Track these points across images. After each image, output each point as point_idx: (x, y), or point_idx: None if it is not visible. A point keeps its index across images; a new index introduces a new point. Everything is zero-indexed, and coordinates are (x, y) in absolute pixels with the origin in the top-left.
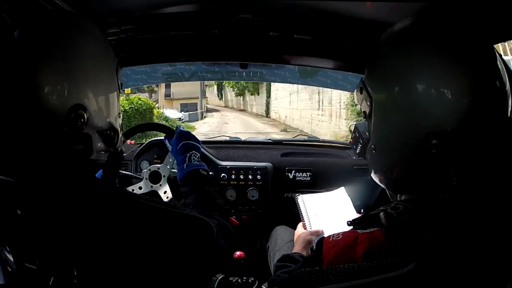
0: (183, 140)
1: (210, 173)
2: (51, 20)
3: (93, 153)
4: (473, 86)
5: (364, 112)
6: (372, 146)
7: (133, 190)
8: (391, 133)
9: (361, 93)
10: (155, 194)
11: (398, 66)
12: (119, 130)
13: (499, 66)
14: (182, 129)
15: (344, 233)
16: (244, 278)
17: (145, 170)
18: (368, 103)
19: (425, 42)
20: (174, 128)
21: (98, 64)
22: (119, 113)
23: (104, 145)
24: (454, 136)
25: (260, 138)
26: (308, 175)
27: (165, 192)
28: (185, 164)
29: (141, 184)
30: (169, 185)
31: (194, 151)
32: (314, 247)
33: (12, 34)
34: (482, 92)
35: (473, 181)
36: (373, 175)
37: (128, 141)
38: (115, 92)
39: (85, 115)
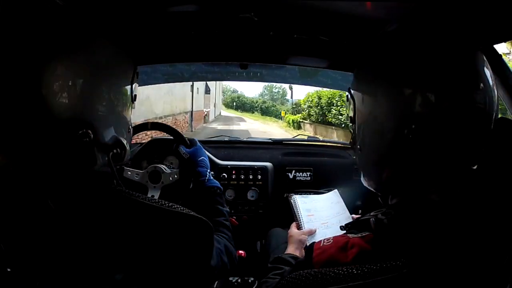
0: (202, 155)
1: (211, 173)
2: (59, 20)
3: (96, 166)
4: (454, 90)
5: (350, 117)
6: (358, 146)
7: (129, 173)
8: (374, 132)
9: (347, 100)
10: (144, 189)
11: (383, 67)
12: (126, 145)
13: (485, 70)
14: (199, 144)
15: (334, 238)
16: (244, 278)
17: (151, 165)
18: (352, 107)
19: (406, 47)
20: (187, 139)
21: (113, 76)
22: (129, 127)
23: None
24: (433, 131)
25: (260, 138)
26: (308, 175)
27: (152, 196)
28: (206, 178)
29: (138, 173)
30: (161, 193)
31: (209, 170)
32: (305, 252)
33: (20, 40)
34: (465, 96)
35: (464, 175)
36: (362, 180)
37: None
38: (128, 106)
39: (90, 133)
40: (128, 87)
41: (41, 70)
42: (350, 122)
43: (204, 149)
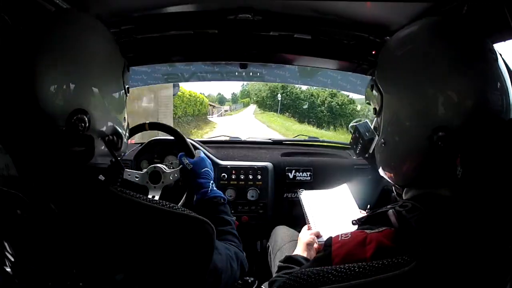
0: (206, 166)
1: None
2: (54, 19)
3: (94, 157)
4: (476, 87)
5: (374, 108)
6: (382, 140)
7: (129, 175)
8: (400, 129)
9: (371, 90)
10: (144, 190)
11: (408, 67)
12: (123, 134)
13: (501, 67)
14: (204, 155)
15: (352, 233)
16: (244, 278)
17: (150, 166)
18: (379, 100)
19: (433, 46)
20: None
21: (103, 66)
22: (125, 117)
23: (107, 149)
24: (460, 132)
25: (260, 138)
26: (308, 175)
27: (153, 197)
28: (209, 189)
29: (138, 174)
30: (162, 193)
31: (212, 181)
32: (323, 246)
33: (14, 34)
34: (485, 93)
35: (477, 173)
36: (381, 172)
37: (129, 140)
38: (121, 96)
39: (86, 119)
40: (120, 79)
41: (37, 67)
42: (374, 114)
43: (208, 160)
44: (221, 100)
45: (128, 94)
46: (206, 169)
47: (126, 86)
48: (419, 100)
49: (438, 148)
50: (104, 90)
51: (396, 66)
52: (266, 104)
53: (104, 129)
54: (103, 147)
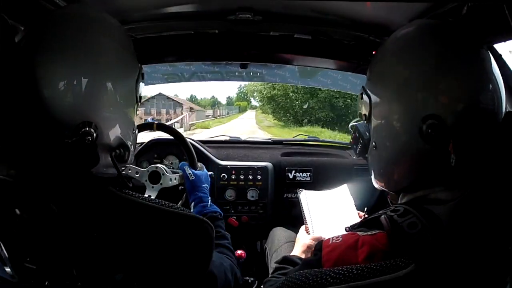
0: (206, 182)
1: (211, 172)
2: (55, 17)
3: (100, 167)
4: (468, 90)
5: (364, 114)
6: (373, 143)
7: (130, 170)
8: (390, 128)
9: (361, 98)
10: (142, 189)
11: (396, 67)
12: (130, 146)
13: (494, 70)
14: (206, 170)
15: (344, 236)
16: (244, 278)
17: (151, 165)
18: (368, 105)
19: (422, 49)
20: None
21: (114, 71)
22: (134, 128)
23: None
24: (450, 123)
25: (260, 138)
26: (308, 175)
27: (149, 196)
28: (208, 204)
29: (139, 171)
30: (158, 194)
31: (210, 197)
32: (313, 250)
33: (14, 35)
34: (477, 96)
35: (471, 162)
36: (374, 182)
37: None
38: (132, 106)
39: (93, 133)
40: (133, 87)
41: (44, 70)
42: (364, 120)
43: (209, 177)
44: (215, 105)
45: (140, 103)
46: (206, 185)
47: (139, 95)
48: (408, 98)
49: (429, 138)
50: (115, 102)
51: (385, 68)
52: (288, 106)
53: (111, 141)
54: (108, 159)
